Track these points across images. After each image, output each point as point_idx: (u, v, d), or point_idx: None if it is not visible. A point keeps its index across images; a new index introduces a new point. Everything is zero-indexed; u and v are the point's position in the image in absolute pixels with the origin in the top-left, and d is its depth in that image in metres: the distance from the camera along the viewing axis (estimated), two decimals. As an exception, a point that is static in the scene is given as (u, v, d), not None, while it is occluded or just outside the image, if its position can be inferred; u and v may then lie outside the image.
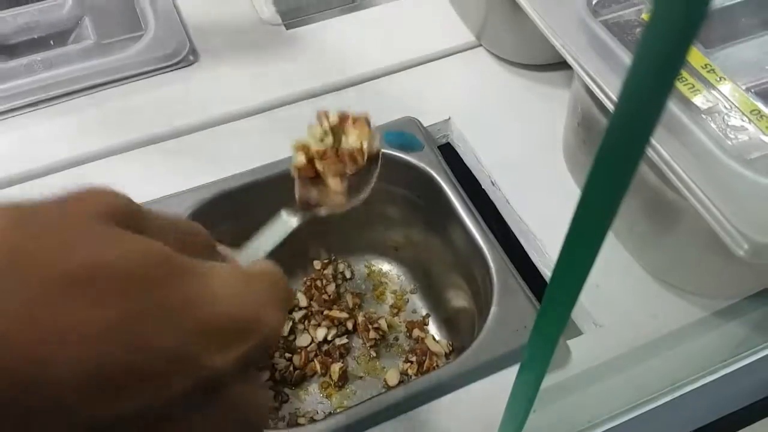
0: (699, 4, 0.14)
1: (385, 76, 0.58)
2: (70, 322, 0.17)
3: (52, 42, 0.61)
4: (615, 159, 0.19)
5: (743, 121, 0.37)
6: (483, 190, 0.54)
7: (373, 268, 0.59)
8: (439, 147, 0.55)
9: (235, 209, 0.52)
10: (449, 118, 0.56)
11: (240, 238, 0.50)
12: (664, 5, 0.15)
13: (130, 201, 0.22)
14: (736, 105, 0.37)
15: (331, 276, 0.58)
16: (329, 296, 0.57)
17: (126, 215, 0.21)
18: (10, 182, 0.51)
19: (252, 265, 0.25)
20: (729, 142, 0.36)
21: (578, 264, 0.23)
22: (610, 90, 0.38)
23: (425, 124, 0.55)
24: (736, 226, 0.32)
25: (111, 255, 0.19)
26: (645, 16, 0.42)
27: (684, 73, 0.39)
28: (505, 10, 0.53)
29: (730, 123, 0.37)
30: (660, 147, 0.35)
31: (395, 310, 0.56)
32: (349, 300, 0.56)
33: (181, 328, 0.19)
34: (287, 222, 0.34)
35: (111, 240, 0.20)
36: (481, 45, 0.60)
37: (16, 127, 0.54)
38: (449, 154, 0.55)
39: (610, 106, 0.38)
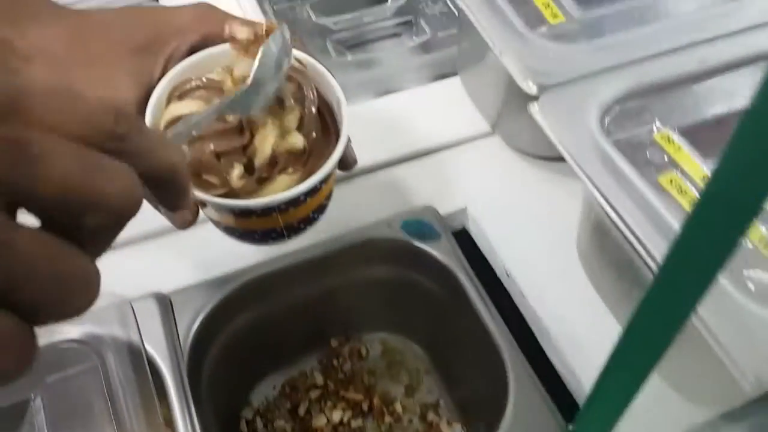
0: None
1: (402, 162, 0.61)
2: None
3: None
4: (658, 321, 0.20)
5: (751, 250, 0.38)
6: (498, 279, 0.55)
7: (389, 345, 0.61)
8: (455, 233, 0.57)
9: (258, 295, 0.54)
10: (465, 208, 0.58)
11: (260, 325, 0.52)
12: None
13: None
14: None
15: (347, 354, 0.60)
16: (345, 375, 0.58)
17: None
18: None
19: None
20: (738, 273, 0.37)
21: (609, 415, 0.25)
22: (619, 208, 0.40)
23: (442, 212, 0.57)
24: (744, 361, 0.34)
25: None
26: (657, 136, 0.44)
27: (683, 186, 0.41)
28: (519, 106, 0.55)
29: (739, 253, 0.38)
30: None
31: (410, 391, 0.58)
32: (365, 379, 0.58)
33: None
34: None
35: None
36: (496, 134, 0.62)
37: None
38: (465, 242, 0.57)
39: (623, 228, 0.40)
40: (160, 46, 0.39)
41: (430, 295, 0.57)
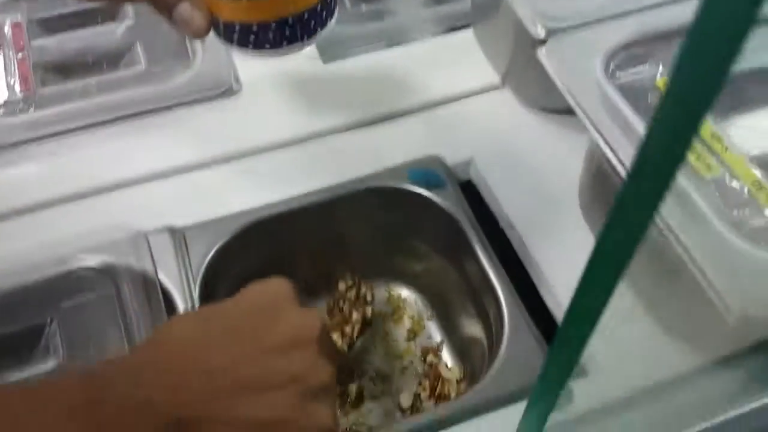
0: (714, 76, 0.16)
1: (413, 113, 0.62)
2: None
3: (104, 65, 0.65)
4: (627, 219, 0.22)
5: (744, 191, 0.39)
6: (501, 229, 0.57)
7: (393, 293, 0.63)
8: (460, 184, 0.58)
9: (268, 235, 0.55)
10: (472, 158, 0.59)
11: (271, 265, 0.54)
12: (681, 76, 0.17)
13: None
14: (739, 175, 0.40)
15: (353, 299, 0.61)
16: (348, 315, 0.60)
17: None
18: (66, 200, 0.56)
19: None
20: (729, 212, 0.38)
21: (587, 315, 0.26)
22: (619, 152, 0.41)
23: (449, 163, 0.58)
24: (728, 295, 0.35)
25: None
26: (659, 81, 0.44)
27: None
28: (529, 58, 0.56)
29: (731, 193, 0.39)
30: (663, 212, 0.38)
31: (412, 335, 0.60)
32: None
33: None
34: None
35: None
36: (506, 87, 0.63)
37: (72, 147, 0.58)
38: (470, 192, 0.58)
39: (620, 168, 0.41)
40: None
41: (435, 242, 0.58)
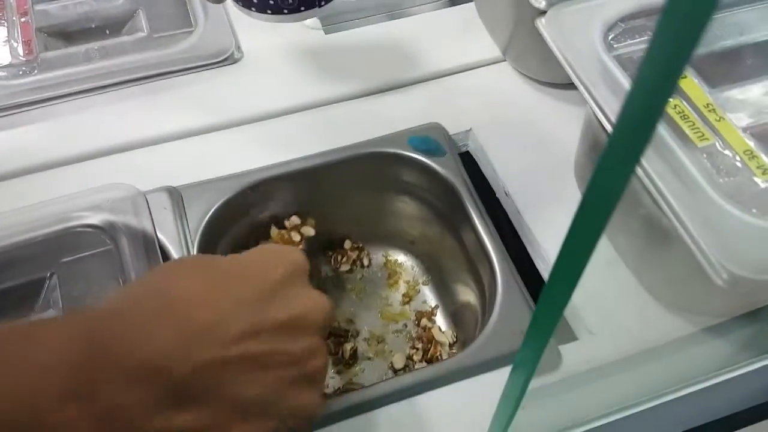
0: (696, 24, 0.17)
1: (414, 83, 0.62)
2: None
3: (107, 31, 0.66)
4: (610, 171, 0.22)
5: (736, 160, 0.40)
6: (497, 198, 0.57)
7: (390, 258, 0.63)
8: (459, 154, 0.59)
9: (266, 198, 0.56)
10: (471, 129, 0.59)
11: (268, 227, 0.55)
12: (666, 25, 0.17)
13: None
14: (731, 145, 0.41)
15: (353, 259, 0.62)
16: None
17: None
18: (68, 161, 0.56)
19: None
20: (720, 180, 0.39)
21: (570, 271, 0.27)
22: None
23: (449, 133, 0.59)
24: (718, 258, 0.36)
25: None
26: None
27: (686, 111, 0.42)
28: (529, 30, 0.56)
29: (723, 161, 0.40)
30: (656, 178, 0.39)
31: (406, 299, 0.61)
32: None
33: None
34: None
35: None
36: (506, 60, 0.63)
37: (74, 110, 0.59)
38: (468, 162, 0.59)
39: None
40: None
41: (433, 209, 0.59)
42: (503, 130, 0.59)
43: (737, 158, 0.40)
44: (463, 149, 0.61)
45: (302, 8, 0.43)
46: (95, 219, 0.52)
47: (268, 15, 0.43)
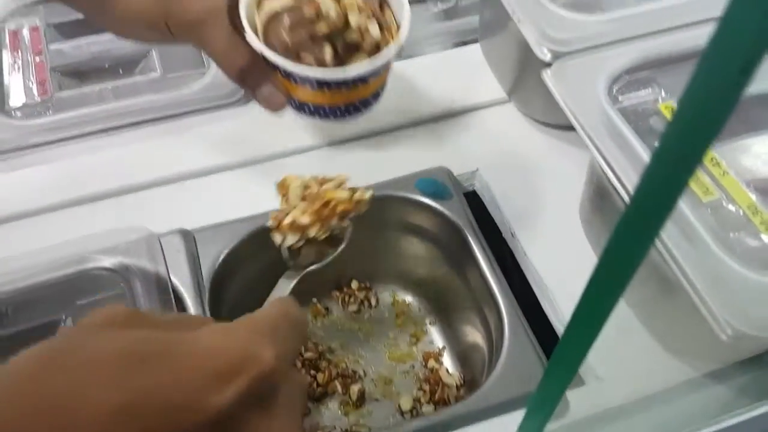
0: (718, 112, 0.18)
1: (422, 123, 0.63)
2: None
3: (120, 71, 0.67)
4: (629, 241, 0.23)
5: (740, 215, 0.41)
6: (503, 239, 0.58)
7: (397, 298, 0.64)
8: (465, 194, 0.60)
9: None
10: (477, 170, 0.61)
11: (278, 268, 0.56)
12: (690, 104, 0.18)
13: (129, 309, 0.28)
14: (735, 199, 0.42)
15: (361, 299, 0.63)
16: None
17: (127, 318, 0.27)
18: (82, 201, 0.57)
19: (261, 310, 0.31)
20: (724, 235, 0.40)
21: (586, 332, 0.28)
22: (619, 173, 0.43)
23: (455, 173, 0.60)
24: (722, 314, 0.37)
25: (112, 354, 0.24)
26: (661, 106, 0.46)
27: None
28: (535, 76, 0.58)
29: (728, 216, 0.41)
30: (662, 234, 0.40)
31: (414, 339, 0.61)
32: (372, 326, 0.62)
33: (181, 382, 0.24)
34: (287, 283, 0.44)
35: (110, 339, 0.25)
36: (511, 101, 0.65)
37: (88, 150, 0.60)
38: (474, 202, 0.60)
39: (621, 190, 0.43)
40: None
41: (440, 250, 0.60)
42: (509, 171, 0.61)
43: (741, 213, 0.41)
44: (470, 188, 0.62)
45: (347, 116, 0.49)
46: (110, 261, 0.53)
47: (316, 119, 0.50)
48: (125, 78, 0.66)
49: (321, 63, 0.44)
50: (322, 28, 0.42)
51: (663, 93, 0.46)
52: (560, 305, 0.52)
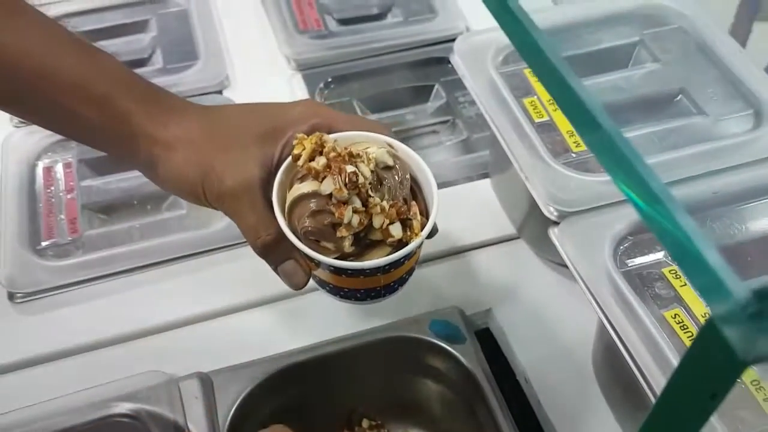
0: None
1: (434, 260, 0.65)
2: None
3: (148, 207, 0.70)
4: None
5: (747, 394, 0.41)
6: (517, 381, 0.59)
7: (412, 436, 0.64)
8: (479, 332, 0.61)
9: (292, 384, 0.58)
10: (490, 309, 0.62)
11: (292, 410, 0.56)
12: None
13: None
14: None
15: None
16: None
17: None
18: (105, 344, 0.59)
19: None
20: (734, 414, 0.41)
21: None
22: (626, 340, 0.44)
23: (468, 312, 0.61)
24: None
25: None
26: (666, 270, 0.48)
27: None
28: (543, 217, 0.60)
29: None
30: None
31: (428, 479, 0.61)
32: None
33: None
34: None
35: None
36: (521, 238, 0.66)
37: (114, 291, 0.62)
38: (488, 341, 0.61)
39: (626, 356, 0.43)
40: (278, 134, 0.47)
41: (452, 391, 0.60)
42: (522, 310, 0.62)
43: (742, 387, 0.42)
44: (483, 326, 0.63)
45: (368, 300, 0.48)
46: (129, 408, 0.54)
47: (337, 298, 0.49)
48: (152, 215, 0.69)
49: (340, 249, 0.44)
50: (342, 232, 0.42)
51: (666, 256, 0.48)
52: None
